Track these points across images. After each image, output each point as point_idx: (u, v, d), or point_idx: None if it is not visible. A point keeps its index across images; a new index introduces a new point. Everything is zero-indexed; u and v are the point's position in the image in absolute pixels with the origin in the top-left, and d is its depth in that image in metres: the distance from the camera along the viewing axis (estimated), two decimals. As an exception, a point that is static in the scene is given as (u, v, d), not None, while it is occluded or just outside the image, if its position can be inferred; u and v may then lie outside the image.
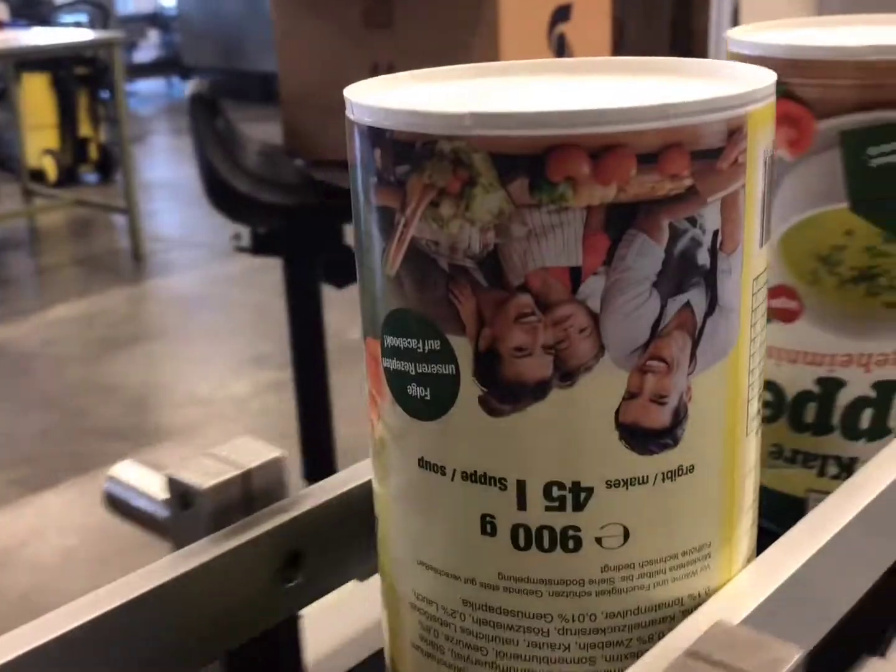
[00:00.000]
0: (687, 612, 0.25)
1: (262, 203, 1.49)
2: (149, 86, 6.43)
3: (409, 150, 0.23)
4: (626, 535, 0.25)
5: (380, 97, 0.25)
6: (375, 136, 0.24)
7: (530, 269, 0.23)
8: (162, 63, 6.63)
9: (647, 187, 0.22)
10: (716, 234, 0.23)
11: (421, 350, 0.24)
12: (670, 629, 0.25)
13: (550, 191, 0.22)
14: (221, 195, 1.51)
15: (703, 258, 0.23)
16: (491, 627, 0.26)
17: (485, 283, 0.23)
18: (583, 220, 0.22)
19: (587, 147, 0.22)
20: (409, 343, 0.25)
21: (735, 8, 2.09)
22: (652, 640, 0.25)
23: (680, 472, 0.25)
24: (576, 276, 0.23)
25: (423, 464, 0.25)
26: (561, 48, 1.38)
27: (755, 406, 0.26)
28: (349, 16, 1.34)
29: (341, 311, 2.65)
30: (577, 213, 0.22)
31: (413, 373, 0.25)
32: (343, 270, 1.60)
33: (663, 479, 0.24)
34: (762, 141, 0.24)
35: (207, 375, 2.56)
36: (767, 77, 0.24)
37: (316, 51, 1.40)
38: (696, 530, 0.25)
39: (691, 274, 0.23)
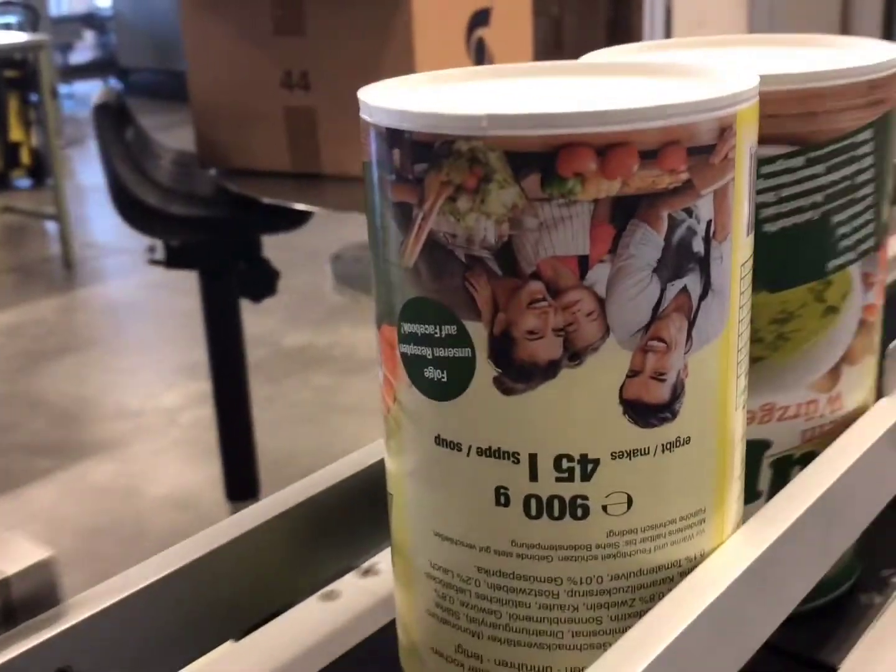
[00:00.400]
0: (684, 574, 0.28)
1: (171, 216, 1.46)
2: (86, 87, 6.34)
3: (428, 149, 0.25)
4: (630, 502, 0.27)
5: (396, 100, 0.27)
6: (394, 136, 0.26)
7: (542, 258, 0.25)
8: (98, 64, 6.53)
9: (649, 181, 0.24)
10: (709, 223, 0.26)
11: (438, 335, 0.26)
12: (670, 589, 0.27)
13: (561, 185, 0.24)
14: (129, 208, 1.47)
15: (698, 246, 0.26)
16: (504, 592, 0.28)
17: (499, 272, 0.25)
18: (590, 213, 0.24)
19: (594, 145, 0.24)
20: (426, 329, 0.27)
21: (668, 7, 2.13)
22: (653, 600, 0.27)
23: (678, 444, 0.27)
24: (583, 263, 0.25)
25: (439, 441, 0.27)
26: (480, 53, 1.37)
27: (742, 382, 0.28)
28: (260, 23, 1.33)
29: (277, 318, 2.65)
30: (584, 206, 0.24)
31: (430, 357, 0.27)
32: (260, 284, 1.56)
33: (663, 451, 0.27)
34: (748, 138, 0.26)
35: (138, 387, 2.54)
36: (752, 79, 0.27)
37: (227, 59, 1.38)
38: (693, 497, 0.28)
39: (688, 260, 0.26)
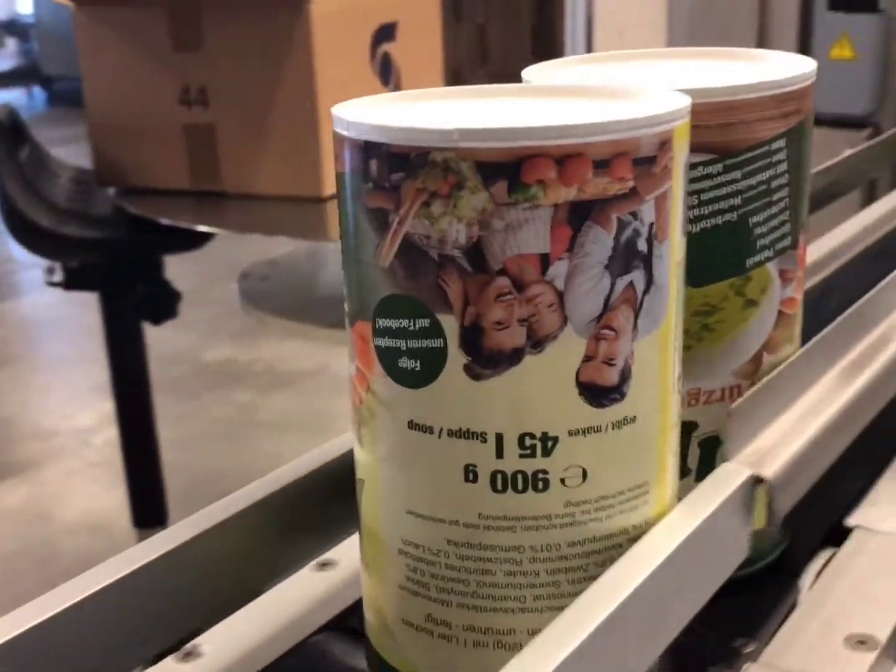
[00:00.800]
0: (632, 540, 0.31)
1: (65, 237, 1.44)
2: (8, 96, 6.15)
3: (404, 160, 0.28)
4: (585, 475, 0.30)
5: (372, 115, 0.29)
6: (371, 149, 0.28)
7: (508, 256, 0.28)
8: (21, 72, 6.32)
9: (600, 188, 0.28)
10: (651, 225, 0.29)
11: (412, 328, 0.29)
12: (619, 555, 0.30)
13: (525, 191, 0.27)
14: (20, 230, 1.45)
15: (642, 245, 0.29)
16: (472, 562, 0.31)
17: (470, 269, 0.28)
18: (550, 216, 0.28)
19: (554, 155, 0.27)
20: (401, 323, 0.29)
21: (589, 17, 2.19)
22: (605, 565, 0.30)
23: (625, 422, 0.30)
24: (545, 261, 0.28)
25: (412, 426, 0.30)
26: (386, 69, 1.39)
27: (678, 368, 0.32)
28: (157, 38, 1.33)
29: (197, 332, 2.63)
30: (545, 210, 0.28)
31: (404, 348, 0.29)
32: (160, 305, 1.55)
33: (613, 428, 0.30)
34: (683, 150, 0.30)
35: (53, 406, 2.49)
36: (686, 99, 0.30)
37: (123, 74, 1.37)
38: (638, 470, 0.31)
39: (634, 258, 0.29)
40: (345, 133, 0.29)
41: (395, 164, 0.28)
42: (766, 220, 0.36)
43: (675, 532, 0.30)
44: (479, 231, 0.28)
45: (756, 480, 0.33)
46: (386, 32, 1.39)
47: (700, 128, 0.33)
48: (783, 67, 0.37)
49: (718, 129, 0.35)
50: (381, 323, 0.30)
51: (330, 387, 2.45)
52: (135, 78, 1.37)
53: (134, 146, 1.39)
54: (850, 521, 0.44)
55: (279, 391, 2.44)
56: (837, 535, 0.43)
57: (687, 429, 0.37)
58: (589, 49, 2.20)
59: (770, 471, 0.33)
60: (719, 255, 0.36)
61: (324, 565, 0.43)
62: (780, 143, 0.36)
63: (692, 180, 0.35)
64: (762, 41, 1.97)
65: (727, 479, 0.33)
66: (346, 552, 0.43)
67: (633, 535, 0.31)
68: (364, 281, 0.30)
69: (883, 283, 0.43)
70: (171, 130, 1.35)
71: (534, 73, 0.39)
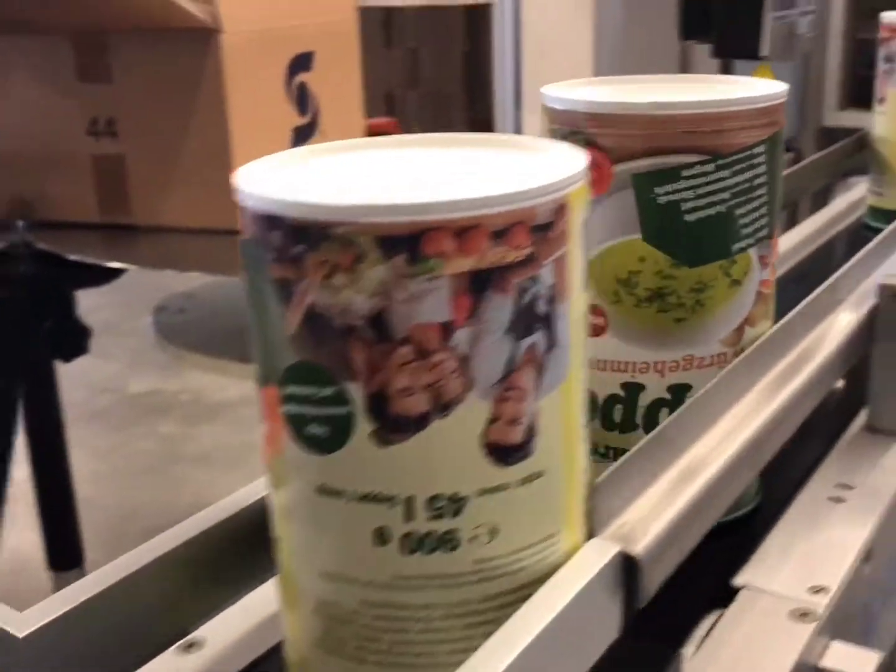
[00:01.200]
0: (543, 590, 0.31)
1: None
2: None
3: (306, 233, 0.28)
4: (495, 532, 0.30)
5: (273, 185, 0.30)
6: (273, 221, 0.29)
7: (411, 325, 0.28)
8: None
9: (499, 256, 0.28)
10: (551, 287, 0.30)
11: (318, 395, 0.29)
12: (531, 605, 0.31)
13: (424, 263, 0.28)
14: None
15: (542, 307, 0.30)
16: (386, 621, 0.31)
17: (374, 338, 0.28)
18: (451, 286, 0.28)
19: (452, 228, 0.28)
20: (307, 390, 0.30)
21: (517, 40, 2.21)
22: (518, 616, 0.31)
23: (533, 477, 0.31)
24: (447, 329, 0.28)
25: (322, 490, 0.30)
26: (303, 98, 1.37)
27: (583, 418, 0.33)
28: (63, 69, 1.29)
29: (122, 363, 2.57)
30: (446, 280, 0.28)
31: (312, 415, 0.30)
32: (70, 342, 1.50)
33: (521, 484, 0.30)
34: (579, 211, 0.30)
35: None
36: (581, 160, 0.31)
37: (29, 105, 1.33)
38: (548, 522, 0.32)
39: (535, 321, 0.29)
40: (248, 204, 0.30)
41: (296, 237, 0.28)
42: (748, 212, 0.43)
43: (541, 613, 0.29)
44: (382, 302, 0.28)
45: (624, 557, 0.32)
46: (302, 62, 1.36)
47: (697, 133, 0.41)
48: (761, 87, 0.44)
49: (712, 134, 0.41)
50: (289, 389, 0.30)
51: (256, 418, 2.36)
52: (40, 109, 1.32)
53: (41, 178, 1.34)
54: (738, 580, 0.43)
55: (205, 423, 2.40)
56: (725, 596, 0.42)
57: (681, 390, 0.44)
58: (517, 72, 2.24)
59: (639, 546, 0.33)
60: (710, 241, 0.43)
61: (190, 646, 0.40)
62: (761, 148, 0.43)
63: (689, 177, 0.41)
64: (685, 65, 2.00)
65: (594, 556, 0.32)
66: (215, 630, 0.41)
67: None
68: (270, 347, 0.30)
69: (788, 316, 0.46)
70: (78, 162, 1.31)
71: (552, 92, 0.44)
